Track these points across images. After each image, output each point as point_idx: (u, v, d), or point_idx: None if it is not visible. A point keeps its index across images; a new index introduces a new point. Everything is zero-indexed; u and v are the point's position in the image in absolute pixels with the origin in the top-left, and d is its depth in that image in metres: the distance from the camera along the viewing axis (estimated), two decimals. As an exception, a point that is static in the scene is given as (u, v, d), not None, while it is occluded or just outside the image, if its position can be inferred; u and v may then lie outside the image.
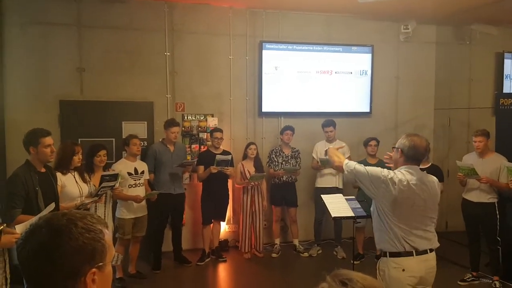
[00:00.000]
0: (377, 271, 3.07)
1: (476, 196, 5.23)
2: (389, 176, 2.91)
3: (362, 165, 3.05)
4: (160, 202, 5.71)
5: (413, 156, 2.99)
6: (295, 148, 6.51)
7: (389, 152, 3.24)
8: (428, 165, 5.56)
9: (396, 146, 3.08)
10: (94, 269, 1.12)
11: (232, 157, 6.07)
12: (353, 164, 3.04)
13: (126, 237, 5.27)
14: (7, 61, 5.80)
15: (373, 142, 6.14)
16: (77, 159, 4.31)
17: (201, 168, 6.01)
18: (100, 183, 4.43)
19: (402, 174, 2.94)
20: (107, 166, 5.12)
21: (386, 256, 3.00)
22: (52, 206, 3.33)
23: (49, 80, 5.97)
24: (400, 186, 2.88)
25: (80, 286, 1.10)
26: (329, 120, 6.44)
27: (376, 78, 7.19)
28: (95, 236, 1.12)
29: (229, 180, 6.23)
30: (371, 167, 3.02)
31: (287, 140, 6.40)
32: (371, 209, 3.16)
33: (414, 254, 2.93)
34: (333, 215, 4.56)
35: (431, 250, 3.01)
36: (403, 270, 2.93)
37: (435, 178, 3.13)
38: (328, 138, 6.40)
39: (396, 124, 7.45)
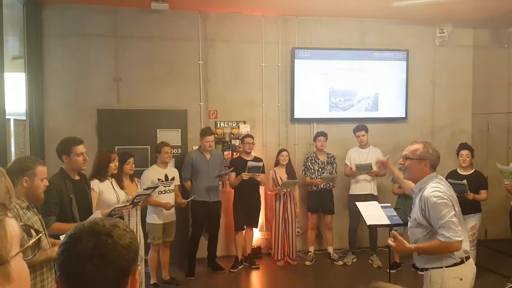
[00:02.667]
0: (428, 283, 2.96)
1: None
2: (445, 198, 2.84)
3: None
4: (196, 209, 5.77)
5: (437, 165, 3.02)
6: (330, 154, 6.45)
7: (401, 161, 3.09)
8: (472, 171, 5.37)
9: (420, 157, 2.96)
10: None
11: (263, 164, 6.07)
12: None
13: (156, 242, 5.35)
14: (47, 71, 6.01)
15: None
16: (114, 166, 4.40)
17: (233, 174, 6.03)
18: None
19: (442, 186, 2.92)
20: (138, 173, 5.24)
21: (442, 268, 2.90)
22: (98, 213, 3.40)
23: (87, 89, 6.15)
24: (451, 196, 2.91)
25: (128, 285, 1.13)
26: (360, 124, 6.37)
27: (411, 83, 7.05)
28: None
29: (260, 186, 6.23)
30: (434, 212, 2.84)
31: (320, 147, 6.34)
32: (409, 223, 3.11)
33: (465, 260, 2.91)
34: (368, 223, 4.46)
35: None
36: (461, 279, 2.90)
37: None
38: (360, 144, 6.32)
39: (433, 129, 7.28)
